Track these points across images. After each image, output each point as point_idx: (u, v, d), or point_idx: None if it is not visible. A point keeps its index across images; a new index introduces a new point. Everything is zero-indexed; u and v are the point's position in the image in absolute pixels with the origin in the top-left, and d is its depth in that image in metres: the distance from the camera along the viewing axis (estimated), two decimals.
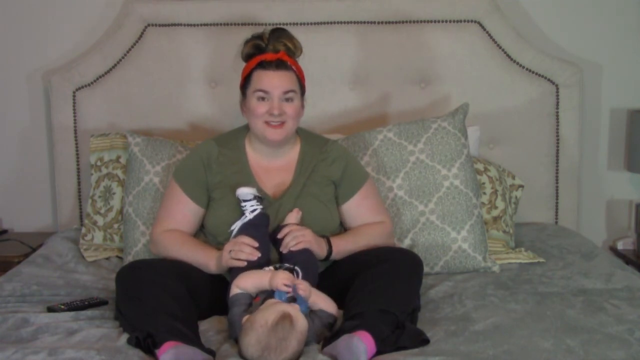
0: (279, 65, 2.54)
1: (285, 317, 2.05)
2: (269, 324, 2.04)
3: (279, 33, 2.61)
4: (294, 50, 2.60)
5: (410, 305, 2.28)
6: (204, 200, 2.61)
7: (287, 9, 3.23)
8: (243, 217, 2.48)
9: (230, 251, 2.39)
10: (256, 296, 2.26)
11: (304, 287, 2.21)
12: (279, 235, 2.45)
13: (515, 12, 3.35)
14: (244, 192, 2.49)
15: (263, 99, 2.54)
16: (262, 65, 2.55)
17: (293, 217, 2.51)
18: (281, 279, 2.23)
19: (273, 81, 2.53)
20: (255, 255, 2.37)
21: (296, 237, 2.42)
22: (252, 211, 2.48)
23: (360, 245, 2.55)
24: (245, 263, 2.36)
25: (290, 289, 2.20)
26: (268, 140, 2.58)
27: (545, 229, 3.20)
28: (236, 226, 2.48)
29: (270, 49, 2.57)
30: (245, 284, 2.28)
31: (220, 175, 2.61)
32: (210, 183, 2.61)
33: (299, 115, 2.61)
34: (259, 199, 2.50)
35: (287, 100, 2.55)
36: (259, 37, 2.60)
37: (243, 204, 2.48)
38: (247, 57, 2.62)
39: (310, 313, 2.23)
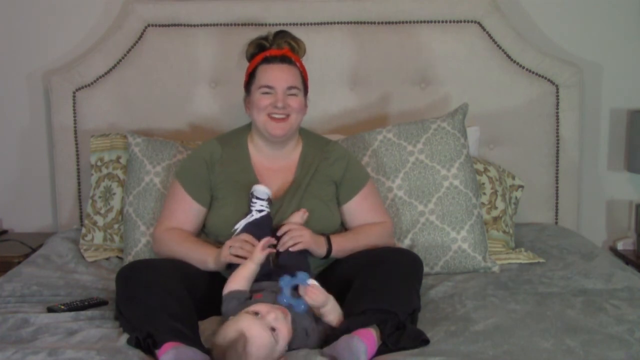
0: (284, 59, 2.58)
1: (239, 339, 2.01)
2: (226, 341, 2.02)
3: (283, 34, 2.65)
4: (297, 49, 2.64)
5: (411, 306, 2.28)
6: (206, 200, 2.61)
7: (287, 10, 3.24)
8: (249, 215, 2.47)
9: (230, 247, 2.40)
10: (258, 293, 2.25)
11: (313, 296, 2.16)
12: (278, 233, 2.45)
13: (515, 12, 3.35)
14: (261, 190, 2.49)
15: (268, 93, 2.56)
16: (267, 60, 2.58)
17: (298, 216, 2.50)
18: (261, 247, 2.30)
19: (277, 75, 2.56)
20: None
21: (294, 237, 2.42)
22: (260, 211, 2.47)
23: (360, 244, 2.55)
24: (244, 261, 2.36)
25: (272, 250, 2.30)
26: (271, 135, 2.58)
27: (545, 230, 3.20)
28: (240, 225, 2.48)
29: (275, 47, 2.61)
30: (235, 282, 2.28)
31: (223, 175, 2.61)
32: (213, 182, 2.61)
33: (303, 112, 2.61)
34: (270, 202, 2.51)
35: (291, 95, 2.56)
36: (264, 38, 2.65)
37: (254, 200, 2.48)
38: (251, 57, 2.65)
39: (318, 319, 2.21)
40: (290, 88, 2.56)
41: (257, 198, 2.48)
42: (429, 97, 3.28)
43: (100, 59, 3.26)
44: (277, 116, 2.56)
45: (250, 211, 2.48)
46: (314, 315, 2.21)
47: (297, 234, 2.42)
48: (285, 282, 2.18)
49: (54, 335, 2.18)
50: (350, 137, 2.98)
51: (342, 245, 2.53)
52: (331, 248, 2.51)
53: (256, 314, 2.08)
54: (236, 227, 2.48)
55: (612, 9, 3.39)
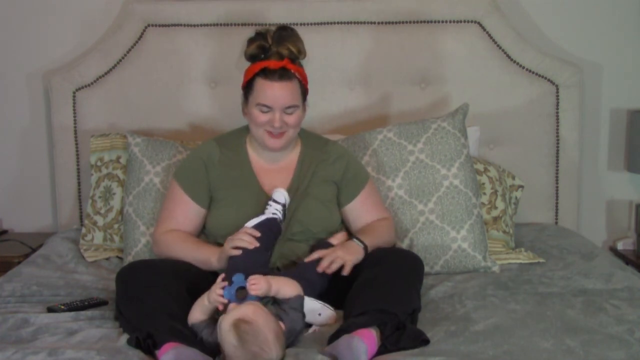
0: (282, 75, 2.50)
1: (241, 324, 1.99)
2: (235, 343, 1.98)
3: (284, 35, 2.55)
4: (297, 55, 2.55)
5: (411, 306, 2.28)
6: (205, 201, 2.61)
7: (287, 9, 3.23)
8: (268, 214, 2.46)
9: (230, 240, 2.40)
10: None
11: (256, 289, 2.15)
12: (307, 260, 2.43)
13: (515, 12, 3.35)
14: (282, 194, 2.49)
15: (265, 111, 2.53)
16: (265, 73, 2.51)
17: (337, 239, 2.54)
18: (215, 290, 2.18)
19: (275, 94, 2.50)
20: (254, 245, 2.36)
21: (335, 261, 2.38)
22: (273, 214, 2.47)
23: (380, 241, 2.56)
24: (240, 252, 2.35)
25: (221, 293, 2.16)
26: (268, 148, 2.58)
27: (545, 230, 3.20)
28: (250, 224, 2.45)
29: (274, 53, 2.53)
30: (193, 316, 2.20)
31: (221, 176, 2.61)
32: (211, 183, 2.61)
33: (301, 122, 2.60)
34: (285, 208, 2.50)
35: (289, 113, 2.54)
36: (263, 35, 2.56)
37: (270, 203, 2.48)
38: (250, 58, 2.58)
39: (280, 308, 2.18)
40: (288, 108, 2.52)
41: (274, 201, 2.48)
42: (429, 97, 3.28)
43: (100, 59, 3.26)
44: (274, 132, 2.54)
45: (263, 213, 2.48)
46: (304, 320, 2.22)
47: (334, 257, 2.39)
48: (228, 293, 2.15)
49: (54, 335, 2.18)
50: (350, 137, 2.98)
51: (373, 243, 2.52)
52: (366, 246, 2.49)
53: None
54: (246, 225, 2.45)
55: (612, 9, 3.39)
